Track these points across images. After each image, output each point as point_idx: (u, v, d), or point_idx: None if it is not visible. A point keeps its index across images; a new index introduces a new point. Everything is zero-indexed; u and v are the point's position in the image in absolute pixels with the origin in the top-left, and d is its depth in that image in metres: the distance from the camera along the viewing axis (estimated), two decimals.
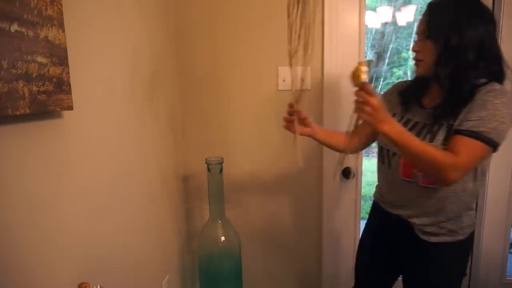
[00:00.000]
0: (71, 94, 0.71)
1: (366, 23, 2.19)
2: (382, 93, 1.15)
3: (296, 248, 1.73)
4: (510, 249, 1.80)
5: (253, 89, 1.58)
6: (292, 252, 1.74)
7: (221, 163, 1.40)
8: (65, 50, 0.69)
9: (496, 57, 0.92)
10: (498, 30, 1.51)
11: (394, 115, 1.08)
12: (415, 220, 1.03)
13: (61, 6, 0.67)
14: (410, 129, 1.00)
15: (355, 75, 0.84)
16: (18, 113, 0.57)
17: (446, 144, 0.90)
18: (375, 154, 1.25)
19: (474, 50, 0.88)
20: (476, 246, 1.74)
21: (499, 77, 0.92)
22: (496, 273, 1.73)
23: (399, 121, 1.05)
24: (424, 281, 1.07)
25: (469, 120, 0.87)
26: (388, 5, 4.27)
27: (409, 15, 4.27)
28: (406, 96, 1.08)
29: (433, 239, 1.02)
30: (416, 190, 1.00)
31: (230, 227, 1.48)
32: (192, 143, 1.65)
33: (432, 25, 0.94)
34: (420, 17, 1.03)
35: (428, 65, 0.96)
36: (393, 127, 0.85)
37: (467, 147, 0.86)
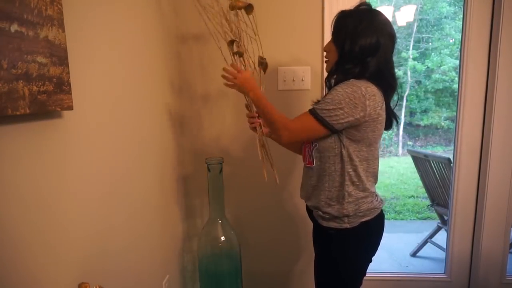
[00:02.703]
0: (71, 94, 0.71)
1: None
2: None
3: (296, 248, 1.73)
4: (510, 249, 1.80)
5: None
6: (292, 252, 1.74)
7: (221, 163, 1.40)
8: (65, 50, 0.69)
9: (382, 68, 1.05)
10: (499, 30, 1.51)
11: None
12: (308, 204, 1.18)
13: (61, 6, 0.67)
14: None
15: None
16: (18, 113, 0.57)
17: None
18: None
19: (364, 56, 1.04)
20: (476, 246, 1.74)
21: (363, 76, 1.04)
22: (496, 273, 1.73)
23: None
24: (315, 268, 1.18)
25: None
26: (388, 5, 4.27)
27: (409, 15, 4.27)
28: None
29: (324, 224, 1.12)
30: (306, 173, 1.17)
31: (230, 227, 1.48)
32: (192, 143, 1.65)
33: (334, 32, 1.09)
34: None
35: (331, 63, 1.11)
36: (255, 93, 1.12)
37: (302, 117, 1.06)
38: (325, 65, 1.16)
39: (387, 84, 1.07)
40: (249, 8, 1.17)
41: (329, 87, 1.12)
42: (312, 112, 1.03)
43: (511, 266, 1.81)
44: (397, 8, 4.36)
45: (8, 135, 0.59)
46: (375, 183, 1.15)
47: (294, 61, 1.57)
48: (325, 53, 1.14)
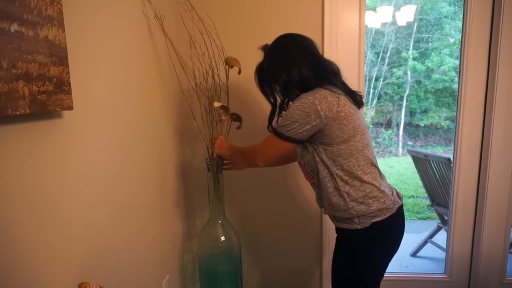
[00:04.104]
0: (71, 94, 0.71)
1: (366, 23, 2.19)
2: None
3: (296, 248, 1.73)
4: (510, 249, 1.80)
5: (253, 89, 1.58)
6: (292, 252, 1.74)
7: (221, 163, 1.40)
8: (65, 50, 0.69)
9: (315, 67, 1.11)
10: (499, 30, 1.51)
11: None
12: (324, 212, 1.21)
13: (61, 6, 0.67)
14: None
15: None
16: (18, 113, 0.57)
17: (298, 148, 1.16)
18: (377, 155, 1.27)
19: (289, 75, 1.12)
20: (476, 246, 1.74)
21: (308, 88, 1.09)
22: (496, 273, 1.73)
23: None
24: (332, 265, 1.19)
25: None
26: (388, 5, 4.27)
27: (409, 15, 4.27)
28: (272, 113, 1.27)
29: (336, 224, 1.16)
30: (313, 188, 1.21)
31: (230, 227, 1.47)
32: (192, 143, 1.65)
33: (260, 87, 1.23)
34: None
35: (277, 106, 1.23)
36: (231, 152, 1.31)
37: (267, 139, 1.15)
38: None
39: (330, 76, 1.11)
40: (226, 110, 1.33)
41: None
42: (274, 131, 1.11)
43: (511, 266, 1.81)
44: (397, 8, 4.36)
45: (8, 135, 0.59)
46: (380, 173, 1.13)
47: None
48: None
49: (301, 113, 1.04)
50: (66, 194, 0.75)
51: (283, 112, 1.16)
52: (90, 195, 0.85)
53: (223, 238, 1.45)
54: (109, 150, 0.96)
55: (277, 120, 1.19)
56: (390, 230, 1.12)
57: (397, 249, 1.16)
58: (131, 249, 1.09)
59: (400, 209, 1.14)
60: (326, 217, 1.65)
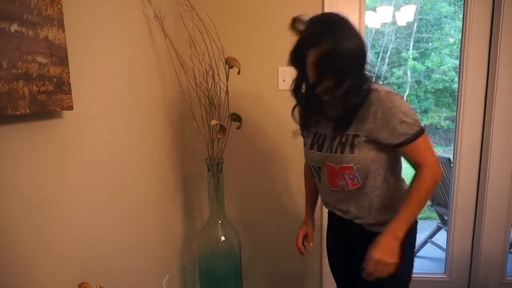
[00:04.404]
0: (71, 94, 0.71)
1: (366, 23, 2.19)
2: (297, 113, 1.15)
3: (296, 248, 1.73)
4: (510, 249, 1.80)
5: (253, 89, 1.58)
6: (292, 252, 1.74)
7: (221, 163, 1.40)
8: (65, 50, 0.69)
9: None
10: (499, 30, 1.51)
11: (309, 133, 1.10)
12: (356, 221, 1.05)
13: (61, 6, 0.67)
14: (323, 141, 1.04)
15: None
16: (18, 113, 0.57)
17: (354, 152, 0.95)
18: None
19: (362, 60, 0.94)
20: (476, 246, 1.74)
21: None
22: (496, 273, 1.73)
23: (313, 137, 1.07)
24: (357, 274, 1.06)
25: (395, 131, 0.90)
26: (388, 5, 4.27)
27: (409, 15, 4.26)
28: (305, 116, 1.09)
29: (373, 229, 1.02)
30: (346, 194, 1.04)
31: (230, 227, 1.47)
32: (192, 143, 1.65)
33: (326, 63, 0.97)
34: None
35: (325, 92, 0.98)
36: (397, 233, 0.92)
37: (421, 148, 0.91)
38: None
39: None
40: (222, 129, 1.30)
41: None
42: (417, 134, 0.90)
43: (511, 266, 1.81)
44: (397, 8, 4.36)
45: (8, 135, 0.59)
46: None
47: None
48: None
49: (404, 103, 0.91)
50: (66, 194, 0.75)
51: (393, 116, 0.90)
52: (90, 195, 0.85)
53: (223, 238, 1.45)
54: (109, 150, 0.96)
55: (293, 111, 1.09)
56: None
57: None
58: (131, 249, 1.09)
59: None
60: (326, 217, 1.65)
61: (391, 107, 0.89)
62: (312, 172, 1.13)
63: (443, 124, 6.85)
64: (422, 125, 0.91)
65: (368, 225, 1.05)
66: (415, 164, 0.94)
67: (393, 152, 0.97)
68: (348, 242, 1.13)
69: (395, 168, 1.01)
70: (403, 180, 1.06)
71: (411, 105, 0.93)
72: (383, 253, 0.91)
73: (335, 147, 0.99)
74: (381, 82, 1.11)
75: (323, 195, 1.18)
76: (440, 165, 0.94)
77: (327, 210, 1.23)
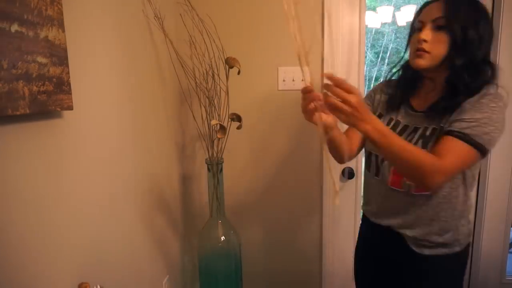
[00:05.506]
0: (71, 94, 0.71)
1: (366, 23, 2.19)
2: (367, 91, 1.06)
3: (296, 248, 1.73)
4: (510, 249, 1.80)
5: (253, 89, 1.58)
6: (292, 252, 1.74)
7: (221, 163, 1.40)
8: (65, 50, 0.69)
9: (489, 60, 0.89)
10: (498, 30, 1.51)
11: (380, 115, 1.02)
12: (407, 232, 0.94)
13: (61, 6, 0.67)
14: (399, 133, 0.93)
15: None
16: (18, 113, 0.57)
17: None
18: None
19: (484, 47, 0.85)
20: (476, 246, 1.74)
21: (492, 79, 0.88)
22: (496, 273, 1.73)
23: (387, 123, 0.99)
24: None
25: (462, 121, 0.80)
26: (388, 5, 4.27)
27: (409, 15, 4.26)
28: (394, 96, 1.01)
29: (427, 252, 0.93)
30: (407, 199, 0.92)
31: (230, 227, 1.47)
32: (192, 143, 1.65)
33: (450, 16, 0.84)
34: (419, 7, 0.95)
35: (434, 58, 0.87)
36: (375, 126, 0.75)
37: (455, 149, 0.79)
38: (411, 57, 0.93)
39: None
40: (222, 129, 1.28)
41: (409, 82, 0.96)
42: (468, 140, 0.79)
43: (511, 266, 1.81)
44: (397, 8, 4.35)
45: (8, 135, 0.59)
46: None
47: (294, 61, 1.56)
48: (422, 42, 0.87)
49: (503, 118, 0.80)
50: (66, 194, 0.75)
51: (478, 113, 0.81)
52: (90, 195, 0.85)
53: (223, 238, 1.45)
54: (109, 149, 0.96)
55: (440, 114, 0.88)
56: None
57: None
58: (131, 249, 1.10)
59: None
60: (326, 217, 1.65)
61: (490, 107, 0.80)
62: (368, 163, 1.00)
63: None
64: (488, 147, 0.80)
65: (413, 239, 0.94)
66: (434, 152, 0.81)
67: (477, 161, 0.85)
68: (387, 258, 1.02)
69: (471, 183, 0.90)
70: (469, 197, 0.93)
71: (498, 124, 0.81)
72: (361, 113, 0.73)
73: (415, 140, 0.88)
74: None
75: (371, 198, 1.04)
76: (444, 177, 0.80)
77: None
